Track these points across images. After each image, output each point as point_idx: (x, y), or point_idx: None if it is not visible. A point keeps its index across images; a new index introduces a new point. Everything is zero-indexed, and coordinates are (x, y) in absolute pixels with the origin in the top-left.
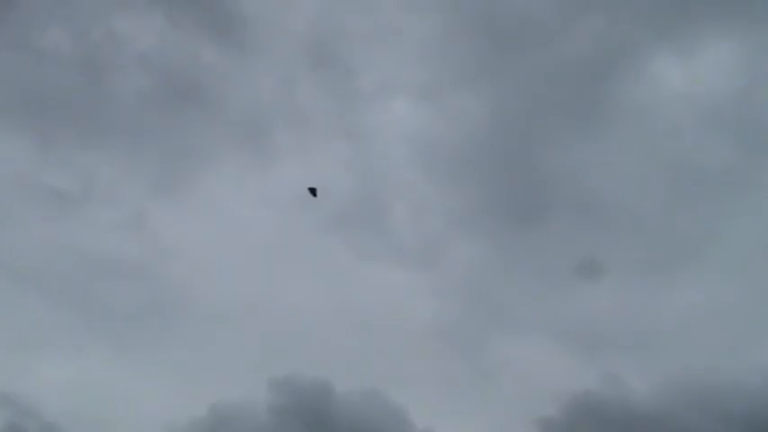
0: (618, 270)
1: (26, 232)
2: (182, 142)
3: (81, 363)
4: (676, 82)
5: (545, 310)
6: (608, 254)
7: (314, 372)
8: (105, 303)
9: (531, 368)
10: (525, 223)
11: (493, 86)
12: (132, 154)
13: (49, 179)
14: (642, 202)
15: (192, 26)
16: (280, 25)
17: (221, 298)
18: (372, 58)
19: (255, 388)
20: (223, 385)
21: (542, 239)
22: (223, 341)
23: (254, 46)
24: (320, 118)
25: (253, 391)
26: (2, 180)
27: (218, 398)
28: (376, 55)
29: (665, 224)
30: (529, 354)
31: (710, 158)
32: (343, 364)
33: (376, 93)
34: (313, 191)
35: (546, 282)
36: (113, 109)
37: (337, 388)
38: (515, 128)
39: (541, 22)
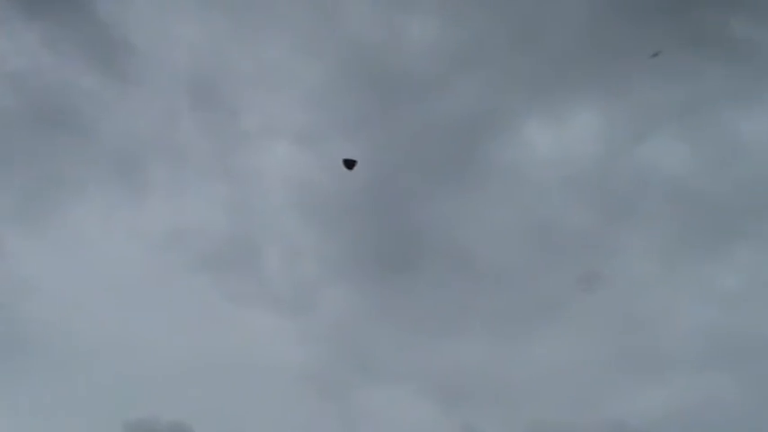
0: (482, 323)
1: None
2: (49, 169)
3: None
4: (545, 147)
5: (411, 360)
6: (474, 307)
7: (173, 415)
8: None
9: (394, 417)
10: (397, 273)
11: (373, 137)
12: None
13: None
14: (508, 259)
15: (71, 49)
16: (165, 58)
17: (78, 336)
18: (256, 100)
19: (110, 431)
20: (76, 428)
21: (412, 290)
22: (78, 381)
23: (137, 76)
24: (198, 155)
25: None
26: None
27: None
28: (260, 96)
29: (528, 281)
30: (393, 403)
31: (573, 221)
32: (205, 408)
33: (258, 134)
34: (349, 163)
35: (413, 332)
36: None
37: None
38: (392, 179)
39: (424, 79)
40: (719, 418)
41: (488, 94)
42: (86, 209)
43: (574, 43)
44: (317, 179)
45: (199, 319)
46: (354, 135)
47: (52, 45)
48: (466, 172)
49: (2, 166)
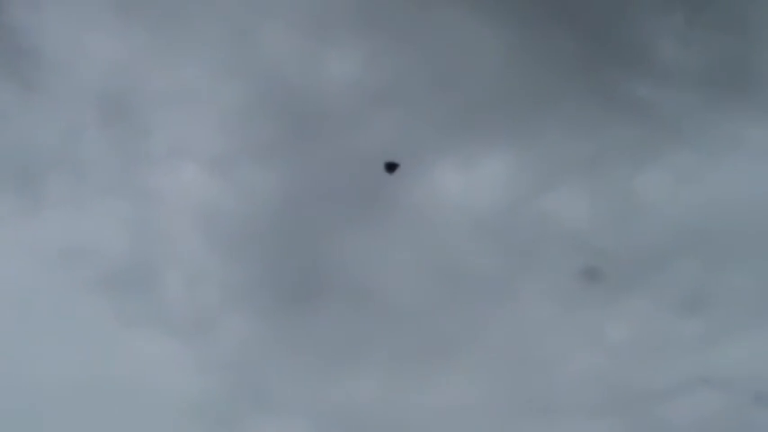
0: (381, 361)
1: None
2: None
3: None
4: (454, 190)
5: (308, 394)
6: (373, 345)
7: None
8: None
9: None
10: (300, 305)
11: (286, 166)
12: None
13: None
14: (410, 299)
15: None
16: (75, 70)
17: None
18: (168, 119)
19: None
20: None
21: (314, 323)
22: None
23: (42, 85)
24: (102, 172)
25: None
26: None
27: None
28: (172, 116)
29: (428, 321)
30: None
31: (475, 265)
32: None
33: (166, 155)
34: (391, 166)
35: (312, 366)
36: None
37: None
38: (303, 210)
39: (341, 113)
40: None
41: (402, 133)
42: None
43: (489, 90)
44: (225, 204)
45: (91, 343)
46: (267, 163)
47: None
48: (375, 209)
49: None
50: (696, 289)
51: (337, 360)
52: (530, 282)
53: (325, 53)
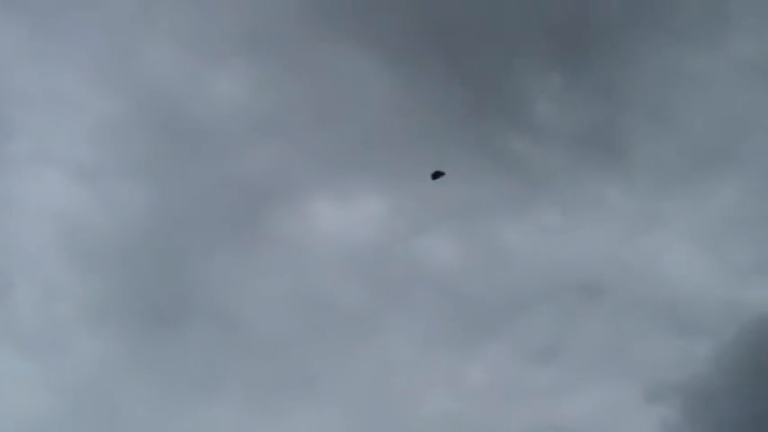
0: (240, 390)
1: None
2: None
3: None
4: (330, 224)
5: (162, 419)
6: (234, 373)
7: None
8: None
9: None
10: (161, 328)
11: (160, 184)
12: None
13: None
14: (275, 329)
15: None
16: None
17: None
18: (35, 124)
19: None
20: None
21: (175, 347)
22: None
23: None
24: None
25: None
26: None
27: None
28: (40, 121)
29: (292, 353)
30: None
31: (344, 300)
32: None
33: (29, 160)
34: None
35: (168, 391)
36: None
37: None
38: (172, 231)
39: (224, 137)
40: None
41: (284, 163)
42: None
43: (373, 129)
44: (89, 217)
45: None
46: (139, 178)
47: None
48: (248, 237)
49: None
50: (551, 339)
51: (196, 386)
52: (396, 320)
53: (212, 75)
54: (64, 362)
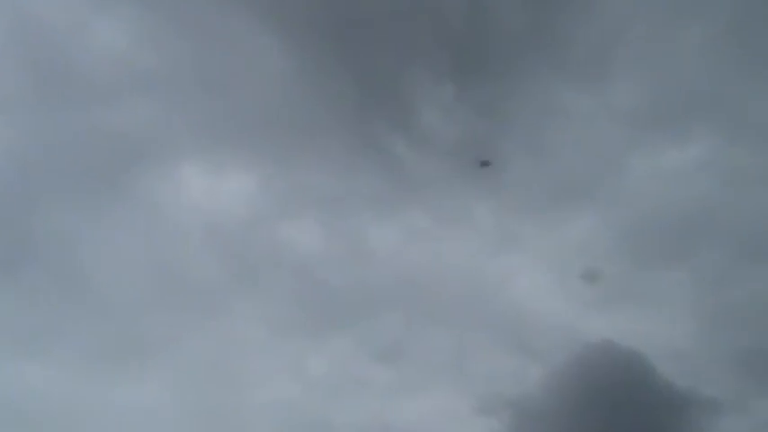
0: (76, 351)
1: None
2: None
3: None
4: (196, 195)
5: None
6: (71, 332)
7: None
8: None
9: None
10: None
11: (22, 123)
12: None
13: None
14: (122, 295)
15: None
16: None
17: None
18: None
19: None
20: None
21: (9, 298)
22: None
23: None
24: None
25: None
26: None
27: None
28: None
29: (135, 321)
30: None
31: (198, 274)
32: None
33: None
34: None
35: None
36: None
37: None
38: (27, 172)
39: (100, 87)
40: None
41: (159, 122)
42: None
43: (257, 106)
44: None
45: None
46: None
47: None
48: (108, 193)
49: None
50: (397, 340)
51: (22, 342)
52: (247, 301)
53: (97, 19)
54: None
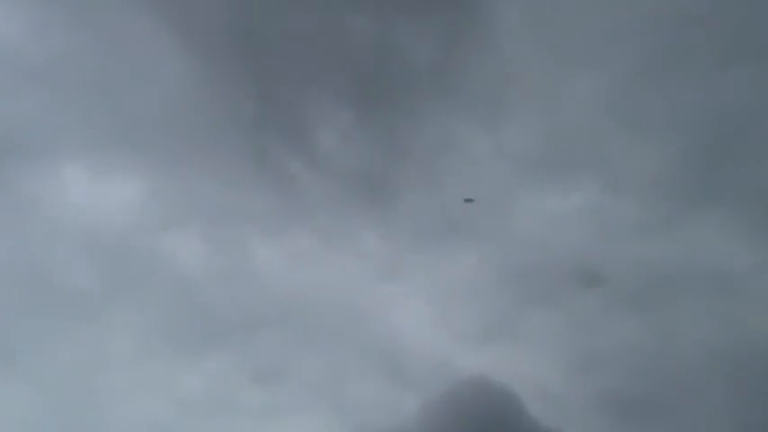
0: None
1: None
2: None
3: None
4: (76, 196)
5: None
6: None
7: None
8: None
9: None
10: None
11: None
12: None
13: None
14: None
15: None
16: None
17: None
18: None
19: None
20: None
21: None
22: None
23: None
24: None
25: None
26: None
27: None
28: None
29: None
30: None
31: (70, 279)
32: None
33: None
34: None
35: None
36: None
37: None
38: None
39: None
40: None
41: (44, 118)
42: None
43: (154, 115)
44: None
45: None
46: None
47: None
48: None
49: None
50: (274, 362)
51: None
52: (120, 313)
53: None
54: None
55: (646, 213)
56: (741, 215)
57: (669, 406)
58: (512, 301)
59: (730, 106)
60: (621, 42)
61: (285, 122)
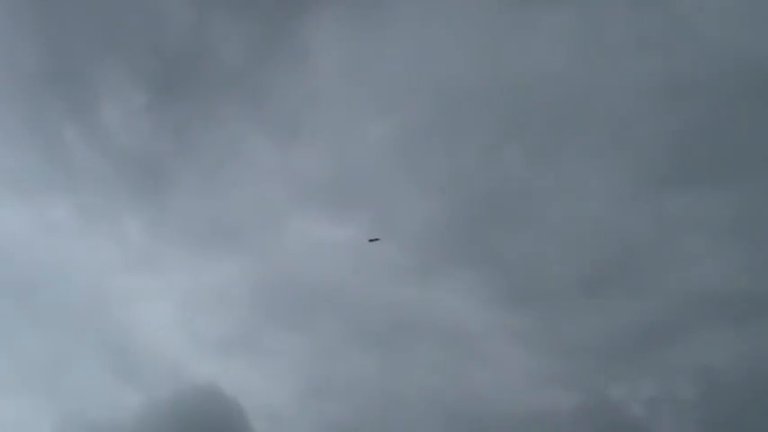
0: None
1: None
2: None
3: None
4: None
5: None
6: None
7: None
8: None
9: None
10: None
11: None
12: None
13: None
14: None
15: None
16: None
17: None
18: None
19: None
20: None
21: None
22: None
23: None
24: None
25: None
26: None
27: None
28: None
29: None
30: None
31: None
32: None
33: None
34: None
35: None
36: None
37: None
38: None
39: None
40: None
41: None
42: None
43: None
44: None
45: None
46: None
47: None
48: None
49: None
50: None
51: None
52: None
53: None
54: None
55: (404, 259)
56: (485, 282)
57: None
58: (260, 318)
59: (504, 180)
60: (423, 99)
61: (71, 87)
